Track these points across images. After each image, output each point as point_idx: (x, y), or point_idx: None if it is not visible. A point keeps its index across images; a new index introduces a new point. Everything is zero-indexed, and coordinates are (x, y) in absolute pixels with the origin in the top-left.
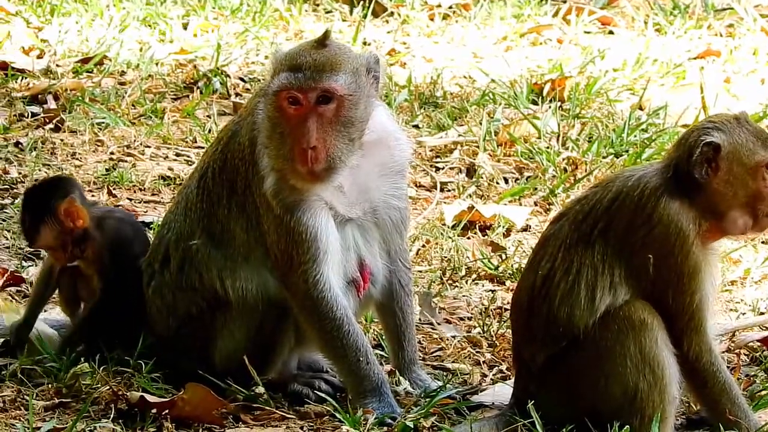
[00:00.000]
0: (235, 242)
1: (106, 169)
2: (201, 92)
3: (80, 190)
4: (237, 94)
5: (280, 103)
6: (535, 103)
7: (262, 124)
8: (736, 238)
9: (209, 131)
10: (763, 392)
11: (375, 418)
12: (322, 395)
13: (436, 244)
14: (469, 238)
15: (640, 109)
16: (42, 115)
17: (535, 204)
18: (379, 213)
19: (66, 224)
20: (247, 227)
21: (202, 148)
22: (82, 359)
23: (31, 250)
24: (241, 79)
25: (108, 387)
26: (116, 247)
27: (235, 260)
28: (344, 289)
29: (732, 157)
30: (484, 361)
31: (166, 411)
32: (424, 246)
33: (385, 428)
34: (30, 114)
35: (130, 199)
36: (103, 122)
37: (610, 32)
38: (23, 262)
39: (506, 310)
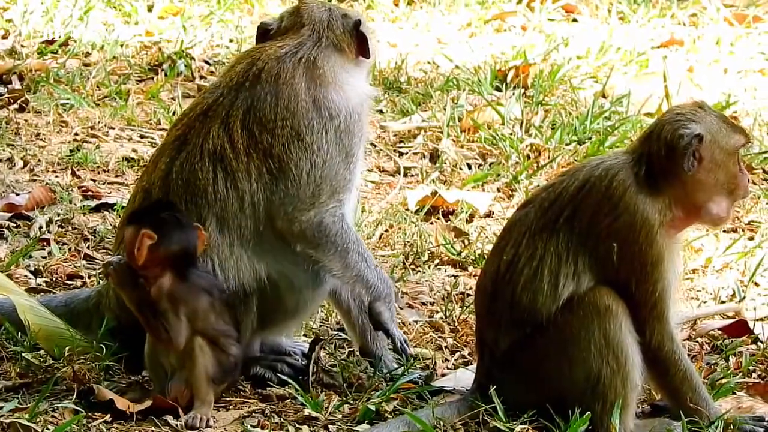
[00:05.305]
0: (255, 217)
1: (70, 150)
2: (165, 74)
3: None
4: (201, 77)
5: None
6: (498, 89)
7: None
8: (707, 226)
9: (173, 113)
10: (724, 380)
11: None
12: (285, 378)
13: (399, 228)
14: (432, 223)
15: (603, 96)
16: (6, 95)
17: (498, 190)
18: None
19: (200, 245)
20: (276, 187)
21: (166, 130)
22: None
23: None
24: (206, 62)
25: (70, 368)
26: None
27: (232, 245)
28: None
29: (713, 145)
30: (446, 346)
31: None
32: (387, 231)
33: (348, 410)
34: None
35: (94, 180)
36: (67, 103)
37: (574, 20)
38: None
39: (469, 295)
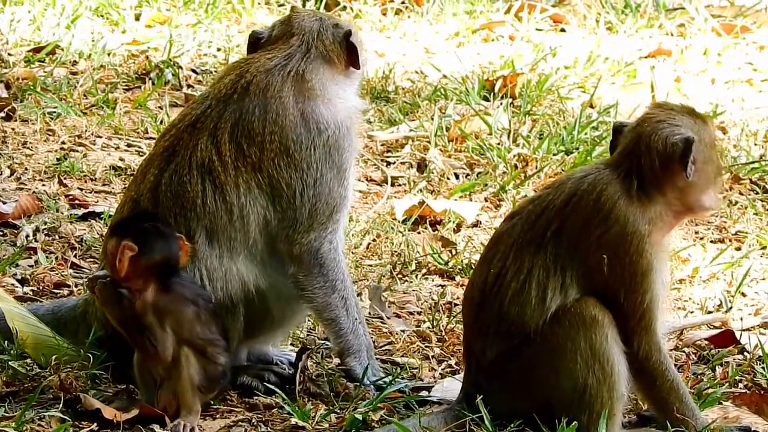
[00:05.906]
0: (245, 230)
1: (57, 159)
2: (153, 83)
3: None
4: (189, 86)
5: None
6: (486, 99)
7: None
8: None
9: (161, 122)
10: (711, 390)
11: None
12: (272, 387)
13: (387, 238)
14: (419, 232)
15: (591, 107)
16: None
17: (486, 200)
18: None
19: (183, 256)
20: (268, 203)
21: (154, 138)
22: None
23: None
24: (194, 71)
25: (57, 377)
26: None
27: (221, 257)
28: None
29: (701, 144)
30: (433, 356)
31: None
32: (374, 240)
33: (334, 419)
34: None
35: (81, 189)
36: (54, 112)
37: (562, 30)
38: None
39: (456, 305)
